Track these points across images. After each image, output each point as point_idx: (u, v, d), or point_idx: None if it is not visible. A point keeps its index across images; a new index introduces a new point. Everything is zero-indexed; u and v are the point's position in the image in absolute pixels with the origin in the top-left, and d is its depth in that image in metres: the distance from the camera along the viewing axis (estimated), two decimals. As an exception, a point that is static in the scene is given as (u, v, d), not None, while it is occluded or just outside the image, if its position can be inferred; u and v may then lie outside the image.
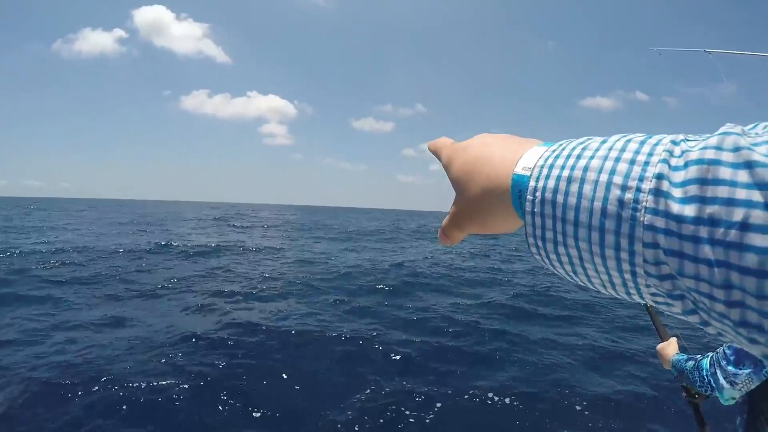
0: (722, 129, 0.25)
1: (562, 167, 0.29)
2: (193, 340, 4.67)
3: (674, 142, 0.26)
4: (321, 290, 7.51)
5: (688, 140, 0.26)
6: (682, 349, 1.65)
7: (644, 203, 0.25)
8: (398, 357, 4.51)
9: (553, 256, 0.31)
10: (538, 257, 0.32)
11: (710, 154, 0.23)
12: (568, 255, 0.30)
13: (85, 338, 4.67)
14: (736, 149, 0.23)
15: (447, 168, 0.42)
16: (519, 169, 0.33)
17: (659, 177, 0.25)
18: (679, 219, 0.23)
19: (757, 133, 0.23)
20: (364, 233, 21.87)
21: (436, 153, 0.45)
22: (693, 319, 0.26)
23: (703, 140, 0.25)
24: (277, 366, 4.21)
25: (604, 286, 0.29)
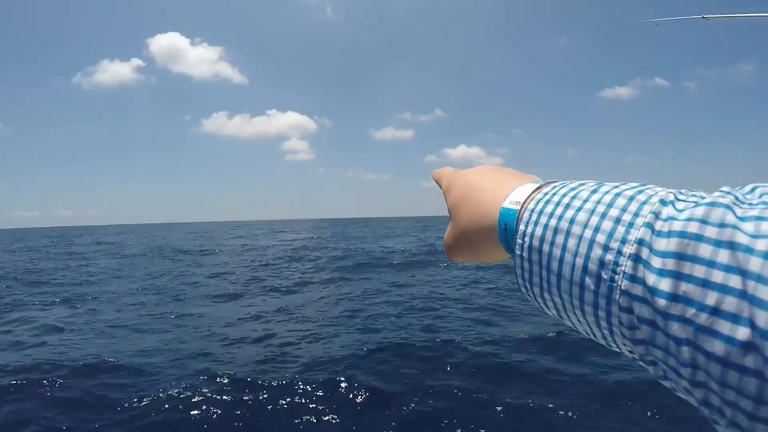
0: (714, 195, 0.25)
1: (551, 215, 0.30)
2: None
3: (663, 202, 0.26)
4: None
5: (678, 200, 0.26)
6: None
7: (623, 267, 0.25)
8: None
9: (540, 300, 0.32)
10: (528, 297, 0.33)
11: (693, 228, 0.23)
12: (553, 302, 0.30)
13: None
14: (722, 225, 0.22)
15: (445, 195, 0.43)
16: (507, 203, 0.34)
17: (640, 242, 0.25)
18: (654, 292, 0.23)
19: (750, 203, 0.23)
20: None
21: (437, 181, 0.47)
22: (665, 383, 0.26)
23: (693, 204, 0.24)
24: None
25: (588, 334, 0.30)
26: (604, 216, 0.27)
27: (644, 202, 0.26)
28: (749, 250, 0.21)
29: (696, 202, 0.25)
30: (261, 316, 6.66)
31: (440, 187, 0.46)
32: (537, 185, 0.34)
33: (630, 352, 0.28)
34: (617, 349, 0.29)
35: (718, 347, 0.21)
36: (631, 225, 0.26)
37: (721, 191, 0.25)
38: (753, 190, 0.24)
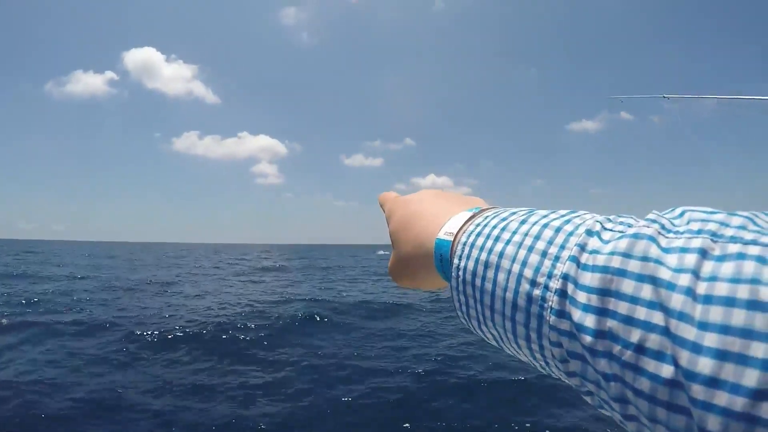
0: (640, 224, 0.24)
1: (481, 249, 0.30)
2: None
3: (589, 233, 0.26)
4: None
5: (605, 229, 0.26)
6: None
7: (550, 303, 0.25)
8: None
9: (479, 331, 0.32)
10: (468, 327, 0.33)
11: (616, 262, 0.23)
12: (491, 334, 0.30)
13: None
14: (644, 259, 0.22)
15: (387, 221, 0.43)
16: (442, 234, 0.34)
17: (566, 277, 0.25)
18: (579, 328, 0.23)
19: (677, 231, 0.22)
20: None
21: (382, 206, 0.46)
22: (604, 412, 0.25)
23: (618, 236, 0.24)
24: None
25: (530, 364, 0.30)
26: (531, 249, 0.27)
27: (570, 233, 0.26)
28: (671, 286, 0.20)
29: (622, 232, 0.24)
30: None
31: (383, 212, 0.45)
32: (471, 213, 0.34)
33: (568, 382, 0.27)
34: (557, 378, 0.29)
35: (644, 384, 0.20)
36: (557, 258, 0.26)
37: (648, 219, 0.25)
38: (682, 214, 0.24)
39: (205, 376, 5.02)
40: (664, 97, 6.79)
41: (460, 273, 0.31)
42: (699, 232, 0.22)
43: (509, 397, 4.54)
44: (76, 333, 6.65)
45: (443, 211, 0.37)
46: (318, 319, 8.11)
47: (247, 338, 6.61)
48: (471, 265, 0.30)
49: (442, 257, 0.34)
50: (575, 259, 0.25)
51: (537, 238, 0.27)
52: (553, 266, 0.25)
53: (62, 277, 15.12)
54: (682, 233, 0.22)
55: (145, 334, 6.62)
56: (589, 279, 0.23)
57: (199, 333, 6.74)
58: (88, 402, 4.20)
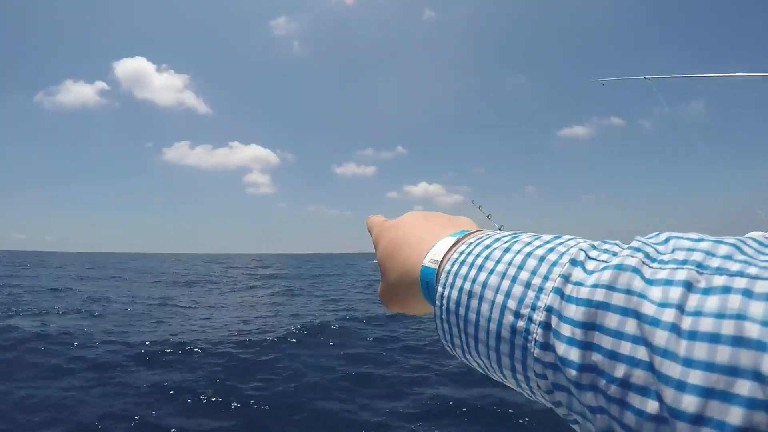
0: (624, 253, 0.24)
1: (465, 278, 0.29)
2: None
3: (573, 262, 0.25)
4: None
5: (590, 258, 0.25)
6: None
7: (534, 335, 0.25)
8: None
9: (464, 359, 0.32)
10: (454, 355, 0.33)
11: (600, 296, 0.22)
12: (477, 362, 0.30)
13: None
14: (628, 292, 0.22)
15: (375, 247, 0.43)
16: (427, 261, 0.34)
17: (549, 310, 0.24)
18: (564, 362, 0.23)
19: (662, 260, 0.22)
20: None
21: (369, 231, 0.46)
22: None
23: (602, 266, 0.24)
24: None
25: (517, 391, 0.30)
26: (514, 280, 0.27)
27: (554, 263, 0.26)
28: (655, 322, 0.20)
29: (606, 262, 0.24)
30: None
31: (371, 236, 0.46)
32: (456, 239, 0.34)
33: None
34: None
35: (630, 419, 0.20)
36: (540, 290, 0.25)
37: (632, 248, 0.24)
38: (666, 241, 0.24)
39: (196, 388, 4.89)
40: (645, 78, 6.84)
41: (444, 302, 0.31)
42: (684, 262, 0.21)
43: (506, 415, 4.40)
44: (65, 343, 6.45)
45: (429, 236, 0.37)
46: (315, 328, 7.90)
47: (242, 349, 6.38)
48: (455, 294, 0.30)
49: (428, 285, 0.34)
50: (559, 291, 0.25)
51: (521, 268, 0.27)
52: (537, 298, 0.25)
53: (51, 288, 14.80)
54: (666, 263, 0.22)
55: (134, 345, 6.48)
56: (573, 312, 0.23)
57: (191, 343, 6.56)
58: (75, 414, 4.06)
